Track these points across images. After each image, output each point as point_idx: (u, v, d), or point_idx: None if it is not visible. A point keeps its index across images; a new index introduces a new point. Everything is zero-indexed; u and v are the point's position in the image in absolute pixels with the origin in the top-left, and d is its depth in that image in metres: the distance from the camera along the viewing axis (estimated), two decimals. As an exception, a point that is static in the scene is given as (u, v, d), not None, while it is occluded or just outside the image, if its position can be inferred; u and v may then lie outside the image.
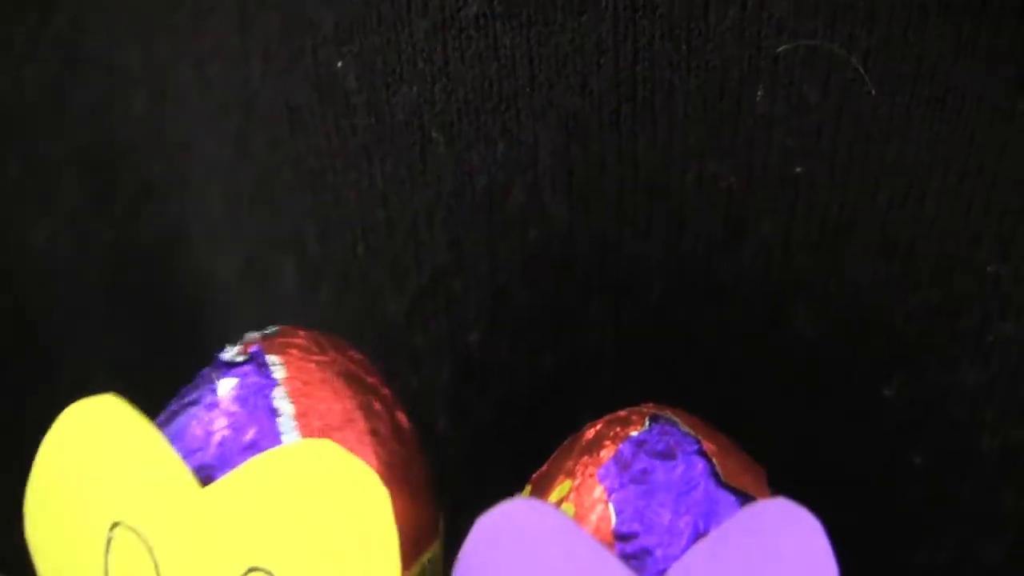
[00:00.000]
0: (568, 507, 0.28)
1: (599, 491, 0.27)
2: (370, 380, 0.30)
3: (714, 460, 0.27)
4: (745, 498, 0.27)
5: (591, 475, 0.28)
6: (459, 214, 0.37)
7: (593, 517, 0.27)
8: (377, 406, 0.29)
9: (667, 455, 0.27)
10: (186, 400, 0.29)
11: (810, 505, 0.29)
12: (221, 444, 0.28)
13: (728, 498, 0.27)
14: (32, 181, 0.44)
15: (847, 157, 0.33)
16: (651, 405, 0.29)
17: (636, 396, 0.35)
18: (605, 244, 0.36)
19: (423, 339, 0.39)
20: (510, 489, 0.29)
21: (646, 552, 0.26)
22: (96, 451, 0.27)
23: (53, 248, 0.45)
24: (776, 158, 0.33)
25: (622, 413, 0.29)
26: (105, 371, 0.44)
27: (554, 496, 0.28)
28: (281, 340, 0.29)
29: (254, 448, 0.27)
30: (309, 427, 0.28)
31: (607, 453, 0.28)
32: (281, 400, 0.28)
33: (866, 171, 0.33)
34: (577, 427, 0.31)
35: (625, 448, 0.28)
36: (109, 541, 0.27)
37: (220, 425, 0.28)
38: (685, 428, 0.28)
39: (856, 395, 0.35)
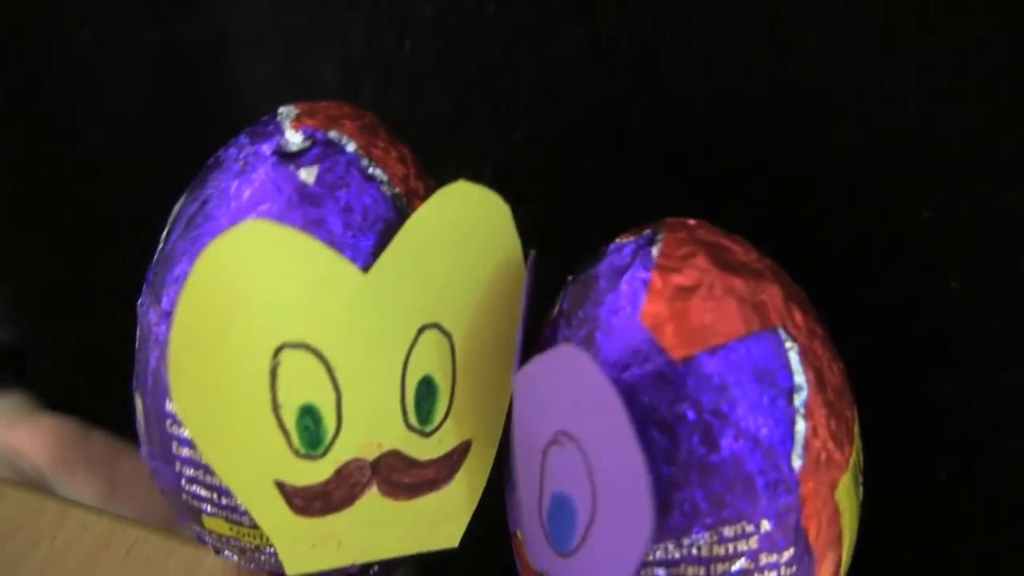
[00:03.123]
0: None
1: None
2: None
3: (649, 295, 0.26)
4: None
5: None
6: (509, 10, 0.36)
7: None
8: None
9: (613, 275, 0.27)
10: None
11: (837, 327, 0.30)
12: (347, 226, 0.27)
13: (643, 337, 0.26)
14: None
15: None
16: (694, 223, 0.28)
17: (676, 207, 0.35)
18: (650, 51, 0.36)
19: (467, 138, 0.39)
20: (546, 291, 0.30)
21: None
22: (244, 280, 0.25)
23: (98, 50, 0.43)
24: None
25: (669, 220, 0.29)
26: (147, 173, 0.43)
27: None
28: (322, 116, 0.29)
29: (378, 222, 0.27)
30: (407, 187, 0.28)
31: (607, 250, 0.28)
32: (373, 169, 0.28)
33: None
34: (613, 235, 0.31)
35: (612, 249, 0.28)
36: (275, 368, 0.26)
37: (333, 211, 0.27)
38: (657, 253, 0.27)
39: (894, 215, 0.35)
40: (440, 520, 0.29)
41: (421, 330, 0.27)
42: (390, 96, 0.38)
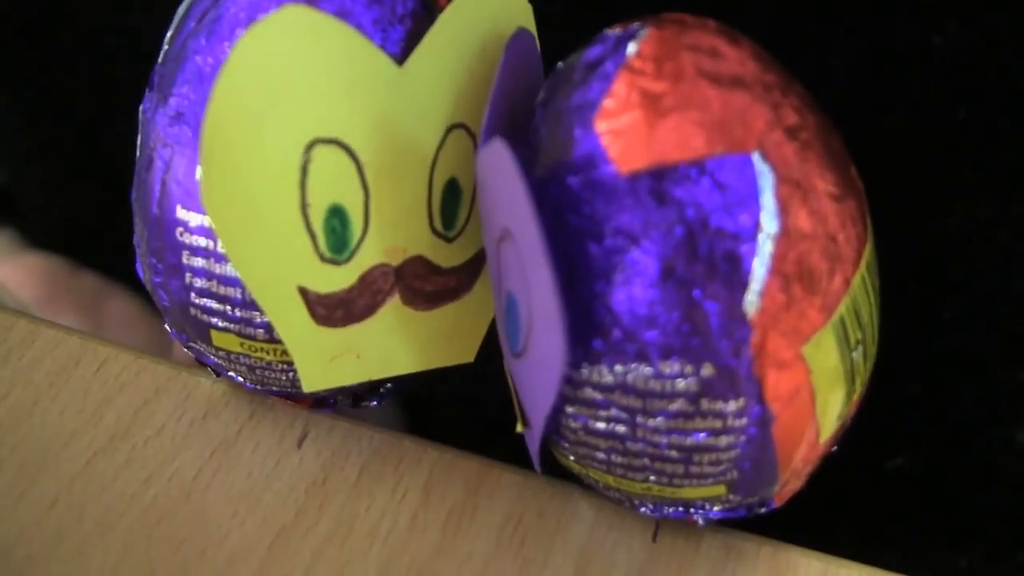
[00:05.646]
0: None
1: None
2: None
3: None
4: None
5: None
6: None
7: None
8: None
9: (587, 68, 0.25)
10: None
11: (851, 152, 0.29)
12: (375, 21, 0.26)
13: (594, 142, 0.24)
14: None
15: None
16: (693, 21, 0.25)
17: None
18: None
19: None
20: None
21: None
22: (281, 69, 0.24)
23: None
24: None
25: (667, 16, 0.25)
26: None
27: None
28: None
29: (407, 16, 0.26)
30: None
31: (596, 38, 0.25)
32: None
33: None
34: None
35: (598, 38, 0.25)
36: (306, 164, 0.25)
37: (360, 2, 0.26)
38: (633, 51, 0.24)
39: (906, 38, 0.35)
40: (457, 334, 0.29)
41: (449, 130, 0.27)
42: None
